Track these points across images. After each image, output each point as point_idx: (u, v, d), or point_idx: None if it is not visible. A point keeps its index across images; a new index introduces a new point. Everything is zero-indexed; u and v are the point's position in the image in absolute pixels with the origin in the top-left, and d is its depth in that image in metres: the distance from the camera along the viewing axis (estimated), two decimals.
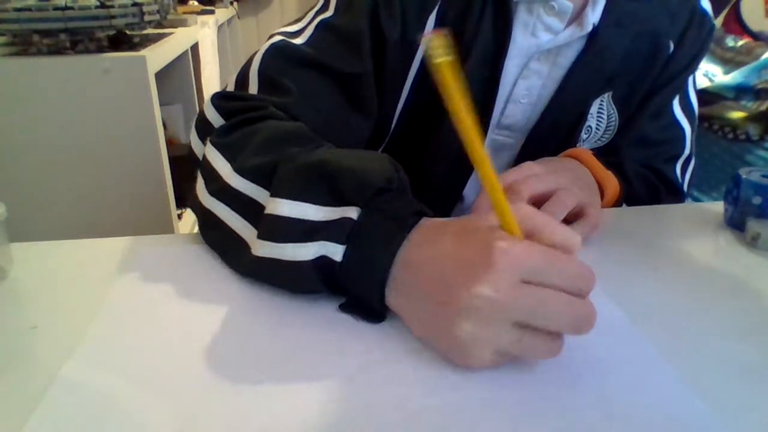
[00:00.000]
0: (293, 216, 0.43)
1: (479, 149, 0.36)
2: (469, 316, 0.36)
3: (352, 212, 0.42)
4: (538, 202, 0.53)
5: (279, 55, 0.61)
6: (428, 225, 0.42)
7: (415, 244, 0.41)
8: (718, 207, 0.63)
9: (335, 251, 0.42)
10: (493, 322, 0.36)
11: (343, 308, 0.45)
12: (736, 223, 0.59)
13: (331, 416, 0.35)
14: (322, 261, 0.42)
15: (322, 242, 0.42)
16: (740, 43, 1.39)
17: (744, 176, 0.58)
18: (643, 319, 0.44)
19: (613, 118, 0.71)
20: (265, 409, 0.35)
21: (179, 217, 1.30)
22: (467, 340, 0.37)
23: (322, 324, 0.43)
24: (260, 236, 0.45)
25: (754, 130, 1.27)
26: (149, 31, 1.41)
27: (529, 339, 0.37)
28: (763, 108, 1.26)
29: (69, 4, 1.09)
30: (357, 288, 0.43)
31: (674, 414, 0.35)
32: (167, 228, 1.22)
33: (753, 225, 0.56)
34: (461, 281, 0.37)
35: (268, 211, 0.44)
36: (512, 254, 0.36)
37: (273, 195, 0.45)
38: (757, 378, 0.38)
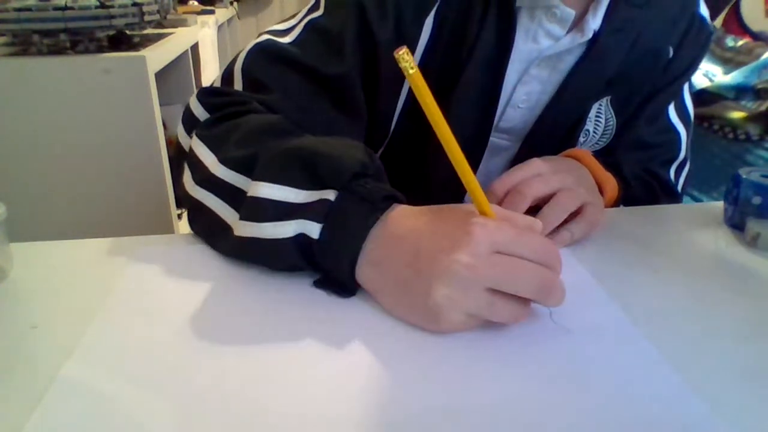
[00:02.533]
0: (274, 198, 0.46)
1: (454, 144, 0.41)
2: (448, 280, 0.40)
3: (330, 194, 0.45)
4: (541, 202, 0.53)
5: (262, 54, 0.61)
6: (404, 207, 0.46)
7: (392, 222, 0.45)
8: (718, 207, 0.63)
9: (313, 229, 0.44)
10: (468, 287, 0.40)
11: (317, 284, 0.47)
12: (736, 223, 0.59)
13: (331, 416, 0.35)
14: (301, 238, 0.45)
15: (301, 221, 0.45)
16: (740, 43, 1.39)
17: (744, 176, 0.58)
18: (643, 320, 0.44)
19: (611, 122, 0.71)
20: (266, 408, 0.35)
21: (179, 217, 1.30)
22: (442, 303, 0.40)
23: (323, 323, 0.43)
24: (242, 218, 0.47)
25: (754, 130, 1.27)
26: (149, 31, 1.41)
27: (500, 303, 0.41)
28: (763, 108, 1.26)
29: (69, 4, 1.09)
30: (330, 263, 0.45)
31: (675, 414, 0.35)
32: (167, 228, 1.22)
33: (753, 225, 0.56)
34: (440, 249, 0.41)
35: (250, 194, 0.47)
36: (488, 228, 0.41)
37: (255, 179, 0.47)
38: (757, 378, 0.38)
